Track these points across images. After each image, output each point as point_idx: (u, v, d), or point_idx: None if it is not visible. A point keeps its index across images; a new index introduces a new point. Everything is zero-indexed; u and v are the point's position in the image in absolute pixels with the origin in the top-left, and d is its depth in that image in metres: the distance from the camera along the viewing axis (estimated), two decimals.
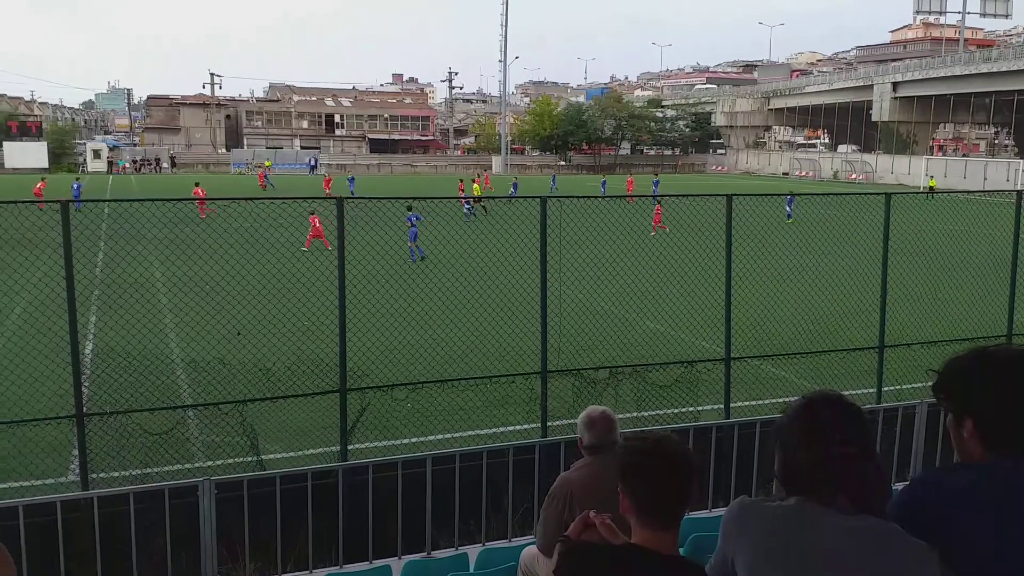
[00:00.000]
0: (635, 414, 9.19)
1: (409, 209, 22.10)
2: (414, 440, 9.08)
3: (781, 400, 10.63)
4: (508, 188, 49.76)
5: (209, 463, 8.26)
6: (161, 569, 5.92)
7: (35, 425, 8.35)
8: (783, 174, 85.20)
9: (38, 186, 39.30)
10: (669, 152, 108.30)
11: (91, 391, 8.19)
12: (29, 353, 9.92)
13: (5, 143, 79.17)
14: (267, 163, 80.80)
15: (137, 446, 8.13)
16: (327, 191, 45.32)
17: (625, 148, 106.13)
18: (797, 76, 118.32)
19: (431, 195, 27.59)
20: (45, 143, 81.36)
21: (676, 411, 9.61)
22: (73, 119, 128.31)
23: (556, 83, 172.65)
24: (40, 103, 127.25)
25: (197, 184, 39.54)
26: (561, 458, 6.76)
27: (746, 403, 10.29)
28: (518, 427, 9.45)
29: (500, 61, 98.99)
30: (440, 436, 9.29)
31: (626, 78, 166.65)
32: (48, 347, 9.43)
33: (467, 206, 31.59)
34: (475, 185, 42.80)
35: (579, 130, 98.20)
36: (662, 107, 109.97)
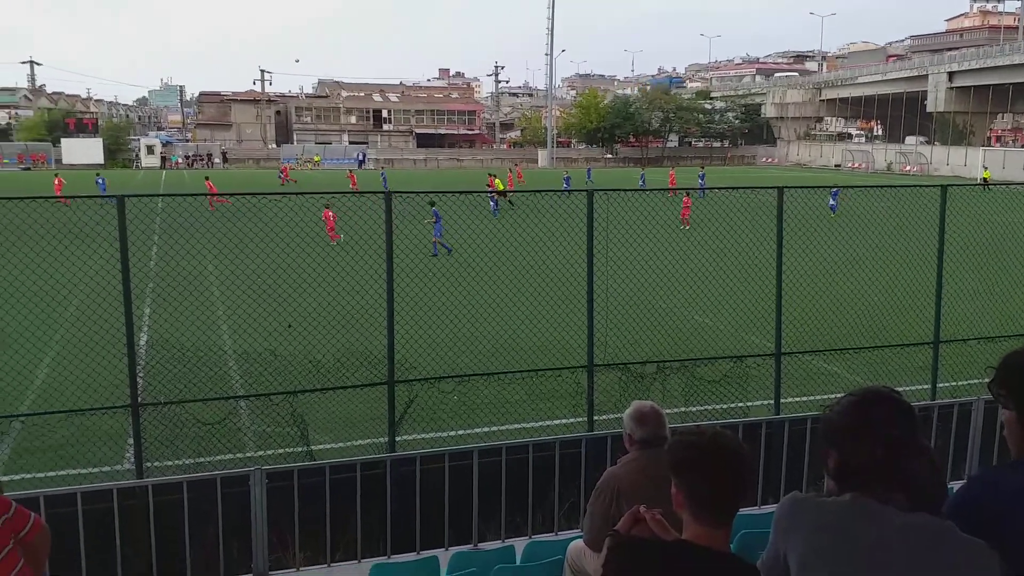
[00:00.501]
0: (683, 409, 9.13)
1: (432, 204, 22.20)
2: (460, 432, 9.12)
3: (832, 396, 10.42)
4: (560, 182, 49.79)
5: (260, 453, 8.41)
6: (213, 556, 6.03)
7: (92, 414, 8.60)
8: (835, 166, 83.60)
9: (56, 182, 40.08)
10: (718, 144, 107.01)
11: (146, 381, 8.38)
12: (86, 344, 10.18)
13: (63, 140, 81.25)
14: (316, 158, 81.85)
15: (190, 436, 8.31)
16: (353, 187, 45.52)
17: (673, 141, 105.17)
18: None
19: (467, 189, 27.64)
20: (100, 139, 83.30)
21: (725, 406, 9.51)
22: (127, 116, 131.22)
23: (603, 76, 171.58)
24: (96, 100, 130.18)
25: (207, 178, 40.50)
26: (608, 453, 6.74)
27: (796, 399, 10.14)
28: (564, 421, 9.44)
29: (546, 55, 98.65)
30: (486, 429, 9.31)
31: (674, 69, 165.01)
32: (104, 338, 9.66)
33: (493, 202, 31.59)
34: (498, 180, 42.31)
35: (626, 123, 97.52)
36: (711, 99, 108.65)
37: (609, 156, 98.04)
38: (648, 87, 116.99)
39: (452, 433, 9.06)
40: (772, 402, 9.48)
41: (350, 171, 58.46)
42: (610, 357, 9.63)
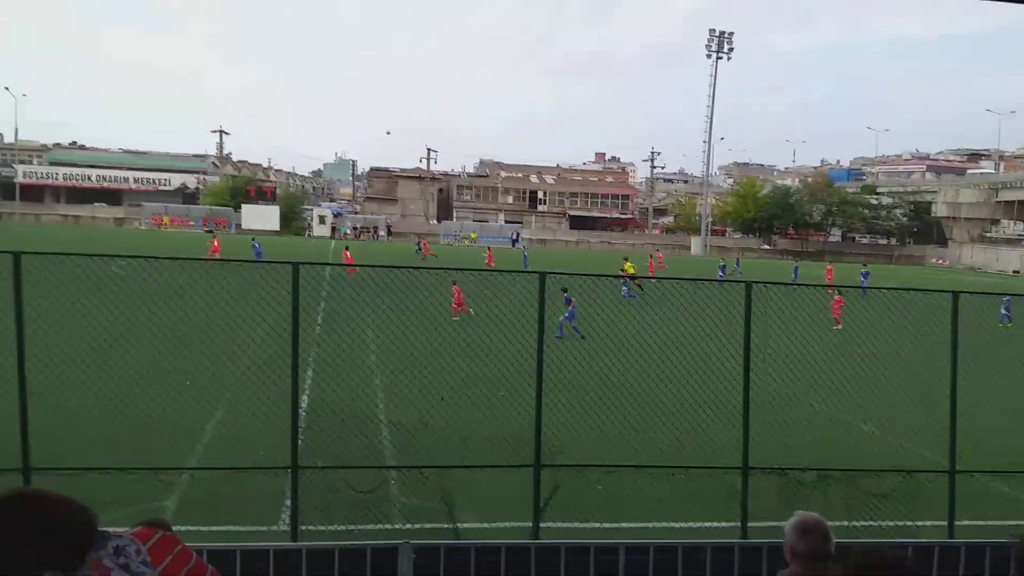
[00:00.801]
0: (846, 523, 8.54)
1: (564, 291, 22.21)
2: (606, 525, 8.90)
3: (1013, 522, 9.52)
4: (716, 270, 49.19)
5: (407, 525, 8.50)
6: None
7: (255, 473, 9.02)
8: (1013, 272, 78.13)
9: (214, 246, 43.14)
10: (884, 242, 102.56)
11: (304, 444, 8.71)
12: (252, 403, 10.74)
13: (244, 206, 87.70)
14: (473, 235, 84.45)
15: (343, 501, 8.53)
16: (489, 263, 46.32)
17: (836, 235, 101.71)
18: None
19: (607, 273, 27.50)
20: (277, 207, 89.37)
21: (892, 524, 8.85)
22: (303, 186, 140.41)
23: (761, 165, 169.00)
24: (276, 170, 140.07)
25: (347, 248, 42.73)
26: (763, 563, 6.38)
27: (972, 522, 9.30)
28: (715, 524, 9.04)
29: (704, 141, 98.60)
30: (632, 524, 9.04)
31: (837, 162, 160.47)
32: (269, 398, 10.16)
33: (625, 287, 31.31)
34: (627, 263, 41.73)
35: (785, 213, 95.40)
36: (877, 193, 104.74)
37: (766, 247, 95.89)
38: (809, 178, 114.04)
39: (597, 525, 8.86)
40: (944, 523, 8.75)
41: (488, 247, 60.25)
42: (767, 460, 9.20)
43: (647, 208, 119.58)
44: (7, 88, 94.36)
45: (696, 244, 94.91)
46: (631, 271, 39.29)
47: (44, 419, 8.75)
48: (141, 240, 60.23)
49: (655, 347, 13.17)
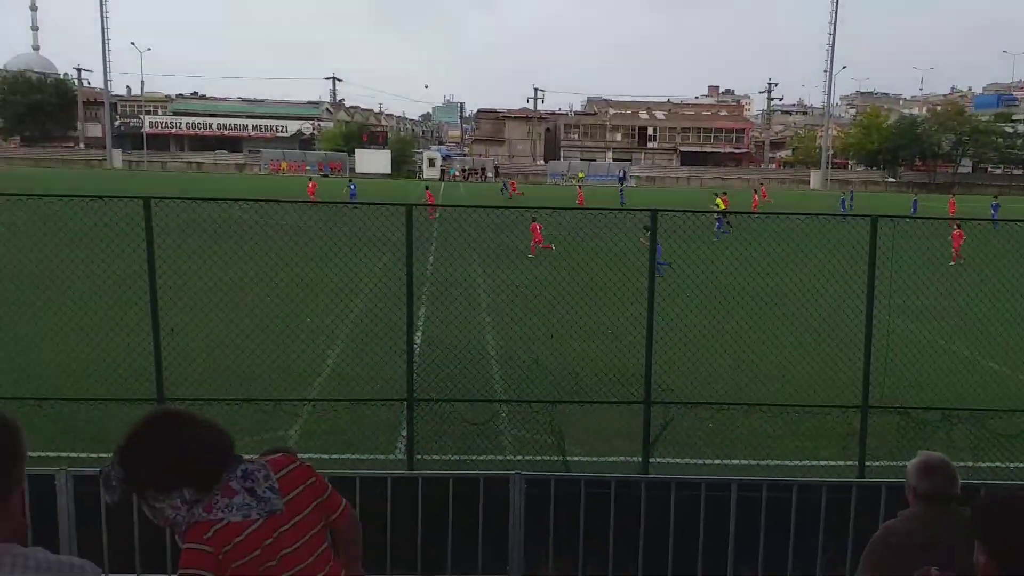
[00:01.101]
0: (970, 464, 8.20)
1: (646, 229, 21.55)
2: (716, 462, 8.84)
3: None
4: (836, 205, 47.45)
5: (518, 457, 8.67)
6: (471, 552, 6.29)
7: (371, 404, 9.36)
8: None
9: (310, 186, 44.52)
10: (1020, 172, 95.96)
11: (419, 378, 8.99)
12: (368, 339, 11.10)
13: (357, 151, 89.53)
14: (580, 175, 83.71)
15: (456, 433, 8.79)
16: (580, 203, 45.79)
17: (966, 166, 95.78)
18: None
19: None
20: (389, 152, 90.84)
21: (1020, 465, 8.44)
22: (413, 130, 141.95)
23: (887, 94, 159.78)
24: (386, 115, 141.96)
25: (427, 187, 42.97)
26: (881, 503, 6.22)
27: None
28: (830, 463, 8.84)
29: (825, 71, 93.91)
30: (743, 461, 8.95)
31: (969, 89, 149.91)
32: (384, 334, 10.48)
33: (719, 223, 30.34)
34: (718, 200, 39.92)
35: (911, 144, 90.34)
36: (1012, 121, 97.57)
37: (891, 180, 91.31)
38: (938, 107, 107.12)
39: (707, 462, 8.80)
40: None
41: (578, 185, 60.10)
42: (887, 399, 8.89)
43: (763, 142, 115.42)
44: (133, 43, 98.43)
45: (816, 178, 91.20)
46: (722, 206, 37.77)
47: (175, 353, 9.30)
48: (261, 185, 62.47)
49: (762, 285, 12.83)
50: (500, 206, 15.52)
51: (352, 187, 46.51)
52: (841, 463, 8.65)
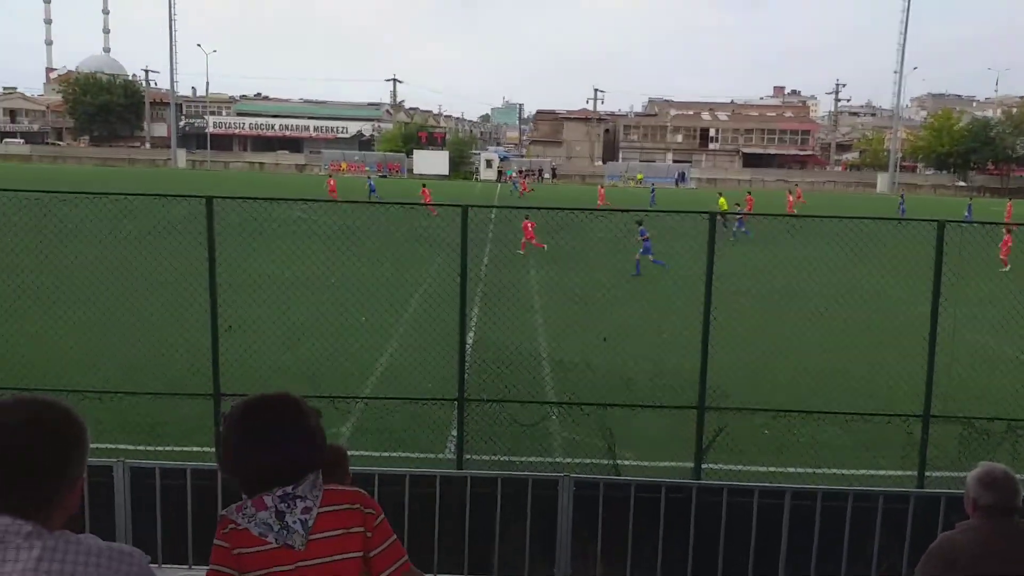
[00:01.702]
0: None
1: (639, 224, 21.42)
2: (770, 469, 8.67)
3: None
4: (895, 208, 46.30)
5: (568, 459, 8.64)
6: (519, 553, 6.29)
7: (423, 403, 9.43)
8: None
9: (331, 184, 45.46)
10: None
11: (471, 378, 9.01)
12: (422, 338, 11.16)
13: (415, 151, 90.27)
14: (639, 176, 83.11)
15: (506, 434, 8.79)
16: (601, 202, 45.50)
17: None
18: None
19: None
20: (447, 152, 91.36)
21: None
22: (471, 131, 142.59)
23: (959, 96, 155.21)
24: (445, 116, 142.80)
25: (424, 186, 43.05)
26: (940, 515, 6.04)
27: None
28: (888, 472, 8.61)
29: (895, 72, 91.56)
30: (799, 469, 8.77)
31: None
32: (438, 334, 10.52)
33: (737, 223, 29.70)
34: (721, 199, 39.32)
35: (984, 147, 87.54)
36: None
37: (961, 184, 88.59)
38: (1014, 109, 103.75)
39: (761, 468, 8.65)
40: None
41: (601, 186, 60.74)
42: (949, 408, 8.62)
43: (829, 144, 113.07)
44: (199, 45, 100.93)
45: (883, 181, 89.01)
46: (724, 207, 37.54)
47: (233, 350, 9.49)
48: (321, 185, 63.45)
49: (815, 290, 12.56)
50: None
51: (371, 183, 47.35)
52: (900, 472, 8.42)
